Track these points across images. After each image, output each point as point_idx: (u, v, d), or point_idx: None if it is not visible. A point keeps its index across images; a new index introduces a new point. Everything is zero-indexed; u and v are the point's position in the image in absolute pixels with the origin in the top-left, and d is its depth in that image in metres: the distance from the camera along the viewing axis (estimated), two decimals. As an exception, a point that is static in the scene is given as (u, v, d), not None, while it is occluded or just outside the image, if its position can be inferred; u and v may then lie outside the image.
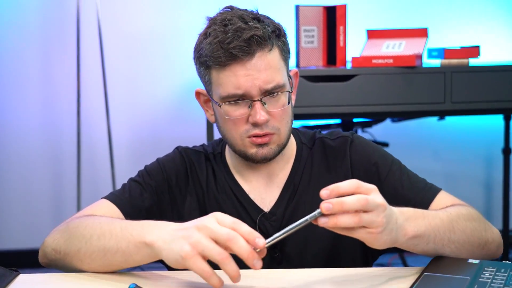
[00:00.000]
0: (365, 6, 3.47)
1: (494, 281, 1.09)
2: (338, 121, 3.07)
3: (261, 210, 1.40)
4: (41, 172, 3.58)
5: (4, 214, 3.60)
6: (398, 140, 3.46)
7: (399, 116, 3.07)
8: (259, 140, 1.33)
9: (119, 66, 3.52)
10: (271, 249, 1.31)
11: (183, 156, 1.45)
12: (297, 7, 2.66)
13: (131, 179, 1.42)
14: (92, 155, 3.56)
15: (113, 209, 1.34)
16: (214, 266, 1.06)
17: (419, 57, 2.52)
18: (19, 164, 3.57)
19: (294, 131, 1.47)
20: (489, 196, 3.75)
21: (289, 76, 1.38)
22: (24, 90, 3.52)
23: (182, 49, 3.26)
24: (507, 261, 1.18)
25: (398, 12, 3.56)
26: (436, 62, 2.59)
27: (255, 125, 1.32)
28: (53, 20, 3.50)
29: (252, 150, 1.34)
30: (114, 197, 1.37)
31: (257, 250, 1.05)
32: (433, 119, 3.45)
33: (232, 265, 1.04)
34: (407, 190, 1.37)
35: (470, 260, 1.19)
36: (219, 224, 1.06)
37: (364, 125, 3.19)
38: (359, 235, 1.07)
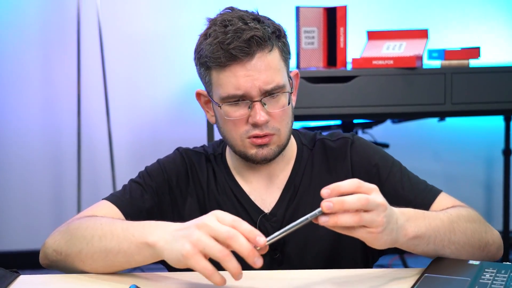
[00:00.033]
0: (366, 7, 3.47)
1: (494, 282, 1.09)
2: (338, 122, 3.07)
3: (262, 211, 1.40)
4: (41, 173, 3.58)
5: (4, 215, 3.59)
6: (398, 141, 3.45)
7: (400, 117, 3.07)
8: (259, 140, 1.33)
9: (120, 67, 3.51)
10: (271, 250, 1.32)
11: (184, 157, 1.45)
12: (297, 8, 2.66)
13: (131, 180, 1.42)
14: (93, 156, 3.56)
15: (113, 210, 1.34)
16: (216, 266, 1.06)
17: (420, 58, 2.51)
18: (19, 165, 3.57)
19: (295, 132, 1.47)
20: (490, 197, 3.75)
21: (289, 77, 1.38)
22: (24, 91, 3.52)
23: (183, 50, 3.26)
24: (508, 262, 1.18)
25: (398, 13, 3.56)
26: (436, 63, 2.58)
27: (255, 125, 1.32)
28: (53, 22, 3.50)
29: (252, 151, 1.34)
30: (115, 198, 1.37)
31: (258, 248, 1.04)
32: (434, 120, 3.45)
33: (233, 262, 1.04)
34: (408, 192, 1.37)
35: (471, 261, 1.19)
36: (219, 222, 1.06)
37: (365, 126, 3.19)
38: (359, 234, 1.07)
